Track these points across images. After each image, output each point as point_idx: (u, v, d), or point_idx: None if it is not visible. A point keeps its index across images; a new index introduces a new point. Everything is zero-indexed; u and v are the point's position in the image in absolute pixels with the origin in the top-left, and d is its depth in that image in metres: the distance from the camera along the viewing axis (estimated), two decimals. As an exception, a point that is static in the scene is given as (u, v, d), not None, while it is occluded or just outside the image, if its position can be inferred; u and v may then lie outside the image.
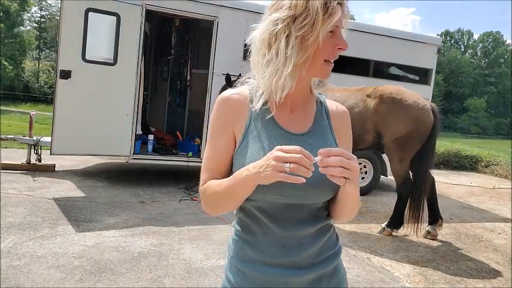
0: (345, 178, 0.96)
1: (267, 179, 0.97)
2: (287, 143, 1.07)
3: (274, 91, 1.13)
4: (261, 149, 1.11)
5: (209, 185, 1.14)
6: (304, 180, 0.94)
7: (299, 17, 1.06)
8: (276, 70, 1.10)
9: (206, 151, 1.19)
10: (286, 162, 0.93)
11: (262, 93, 1.15)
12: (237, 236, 1.20)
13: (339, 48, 1.10)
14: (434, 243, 4.88)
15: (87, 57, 5.68)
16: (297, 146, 0.95)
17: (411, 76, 7.88)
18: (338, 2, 1.08)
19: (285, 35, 1.08)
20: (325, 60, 1.11)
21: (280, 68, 1.09)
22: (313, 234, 1.15)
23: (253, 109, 1.16)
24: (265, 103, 1.16)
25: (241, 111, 1.16)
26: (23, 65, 34.96)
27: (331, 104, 1.26)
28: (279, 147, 0.96)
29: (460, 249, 4.78)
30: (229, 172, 1.16)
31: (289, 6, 1.07)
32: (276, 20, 1.08)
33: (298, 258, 1.13)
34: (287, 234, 1.13)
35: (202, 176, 1.18)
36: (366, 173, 7.14)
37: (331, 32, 1.09)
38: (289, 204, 1.12)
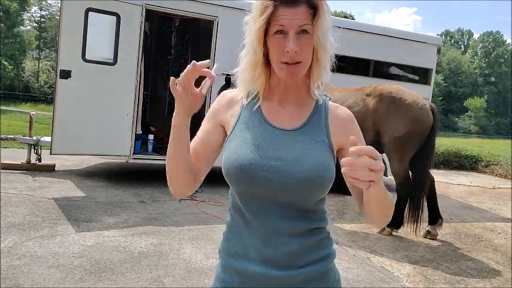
0: (370, 181, 0.90)
1: (177, 99, 1.09)
2: (272, 138, 1.13)
3: (245, 88, 1.19)
4: (244, 143, 1.13)
5: None
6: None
7: (254, 20, 1.11)
8: (241, 69, 1.17)
9: None
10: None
11: (242, 89, 1.22)
12: (226, 230, 1.24)
13: (287, 51, 1.06)
14: (434, 243, 4.88)
15: (87, 57, 5.68)
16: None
17: (411, 76, 7.87)
18: (274, 3, 1.06)
19: (247, 36, 1.14)
20: (282, 62, 1.09)
21: (242, 66, 1.17)
22: (296, 235, 1.13)
23: (243, 104, 1.21)
24: (254, 98, 1.20)
25: (233, 106, 1.22)
26: (23, 65, 34.96)
27: (334, 107, 1.23)
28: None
29: (460, 249, 4.78)
30: (205, 160, 1.21)
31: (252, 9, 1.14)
32: (245, 22, 1.16)
33: (277, 256, 1.11)
34: (267, 231, 1.12)
35: None
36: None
37: (281, 33, 1.07)
38: (275, 202, 1.11)
